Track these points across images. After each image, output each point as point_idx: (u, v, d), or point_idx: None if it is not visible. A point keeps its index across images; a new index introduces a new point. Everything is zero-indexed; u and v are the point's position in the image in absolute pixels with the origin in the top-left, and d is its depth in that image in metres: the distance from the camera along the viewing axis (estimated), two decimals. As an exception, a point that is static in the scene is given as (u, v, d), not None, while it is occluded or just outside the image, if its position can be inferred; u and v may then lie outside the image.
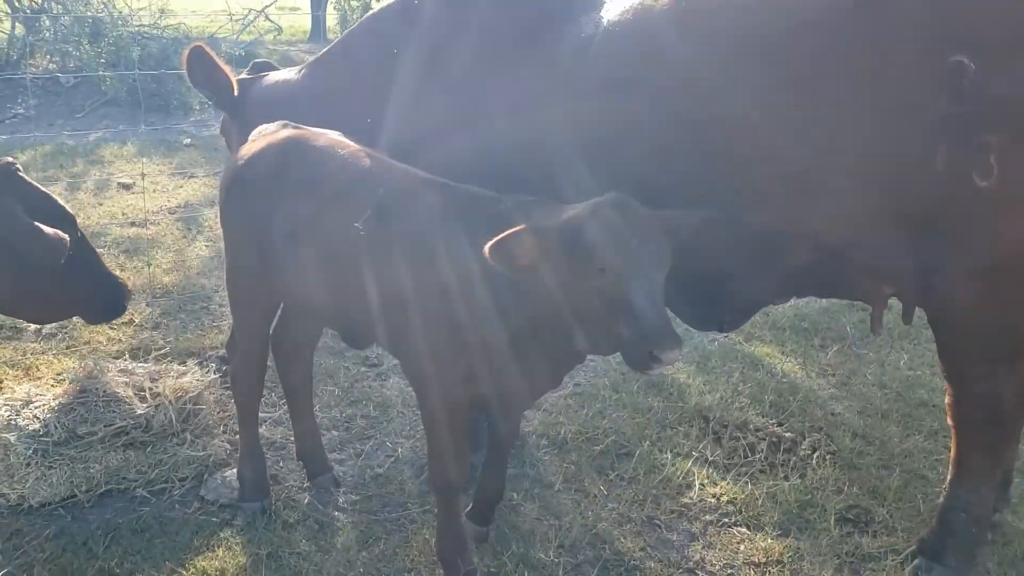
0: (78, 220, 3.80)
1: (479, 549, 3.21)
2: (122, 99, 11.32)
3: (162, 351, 4.65)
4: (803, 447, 3.92)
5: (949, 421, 3.06)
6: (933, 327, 2.89)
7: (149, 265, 5.81)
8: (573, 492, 3.61)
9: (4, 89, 11.57)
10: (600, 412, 4.18)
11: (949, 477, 3.13)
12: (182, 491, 3.56)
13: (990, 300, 2.71)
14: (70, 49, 12.36)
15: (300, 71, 4.01)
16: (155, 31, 12.88)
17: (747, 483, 3.66)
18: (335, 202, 2.98)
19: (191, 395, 3.97)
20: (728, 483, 3.65)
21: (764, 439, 3.97)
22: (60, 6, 13.20)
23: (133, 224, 6.88)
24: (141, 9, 13.61)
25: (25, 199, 3.47)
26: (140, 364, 4.28)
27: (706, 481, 3.67)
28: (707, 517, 3.48)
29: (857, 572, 3.19)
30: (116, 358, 4.59)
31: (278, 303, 3.40)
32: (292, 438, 3.79)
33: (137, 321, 5.12)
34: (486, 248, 2.43)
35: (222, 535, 3.30)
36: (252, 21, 14.96)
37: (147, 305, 5.32)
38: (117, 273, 5.31)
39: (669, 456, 3.83)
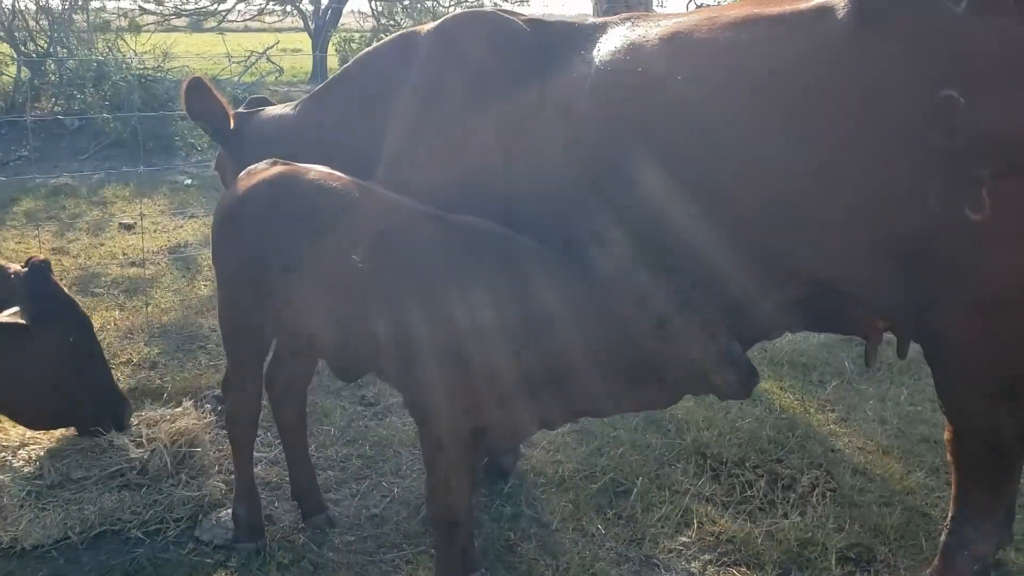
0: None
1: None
2: (125, 141, 11.42)
3: (158, 391, 4.64)
4: (803, 484, 3.88)
5: (949, 457, 3.03)
6: (929, 363, 2.87)
7: (148, 305, 5.82)
8: (571, 531, 3.57)
9: (9, 132, 11.69)
10: (598, 449, 4.16)
11: (950, 514, 3.09)
12: (177, 532, 3.52)
13: (986, 335, 2.70)
14: (74, 92, 12.51)
15: (296, 106, 4.04)
16: (159, 74, 13.04)
17: (746, 521, 3.62)
18: (332, 235, 2.99)
19: (187, 438, 3.95)
20: (727, 521, 3.61)
21: (763, 476, 3.94)
22: (65, 50, 13.38)
23: (133, 264, 6.89)
24: (145, 53, 13.80)
25: (42, 294, 3.58)
26: (136, 413, 4.25)
27: (705, 519, 3.63)
28: (706, 556, 3.43)
29: (859, 611, 3.16)
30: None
31: (272, 339, 3.39)
32: (287, 478, 3.76)
33: (135, 360, 5.12)
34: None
35: (216, 577, 3.27)
36: (254, 63, 15.14)
37: (145, 345, 5.32)
38: (115, 313, 5.34)
39: (667, 494, 3.80)
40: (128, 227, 7.91)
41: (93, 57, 12.98)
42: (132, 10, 16.70)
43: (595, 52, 3.10)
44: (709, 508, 3.72)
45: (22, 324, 3.47)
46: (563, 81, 3.13)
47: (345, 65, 4.09)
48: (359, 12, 19.12)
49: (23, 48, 13.51)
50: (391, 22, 16.95)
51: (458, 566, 3.03)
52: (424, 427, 2.95)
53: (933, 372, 2.89)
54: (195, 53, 14.36)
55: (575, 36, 3.28)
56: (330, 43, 17.76)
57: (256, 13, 18.26)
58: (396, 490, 3.85)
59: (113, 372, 4.83)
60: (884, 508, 3.71)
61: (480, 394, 2.82)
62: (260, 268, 3.10)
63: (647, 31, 3.01)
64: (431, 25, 3.63)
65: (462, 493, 2.95)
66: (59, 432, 3.99)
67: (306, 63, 17.95)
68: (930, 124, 2.49)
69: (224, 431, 4.19)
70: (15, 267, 3.78)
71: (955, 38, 2.53)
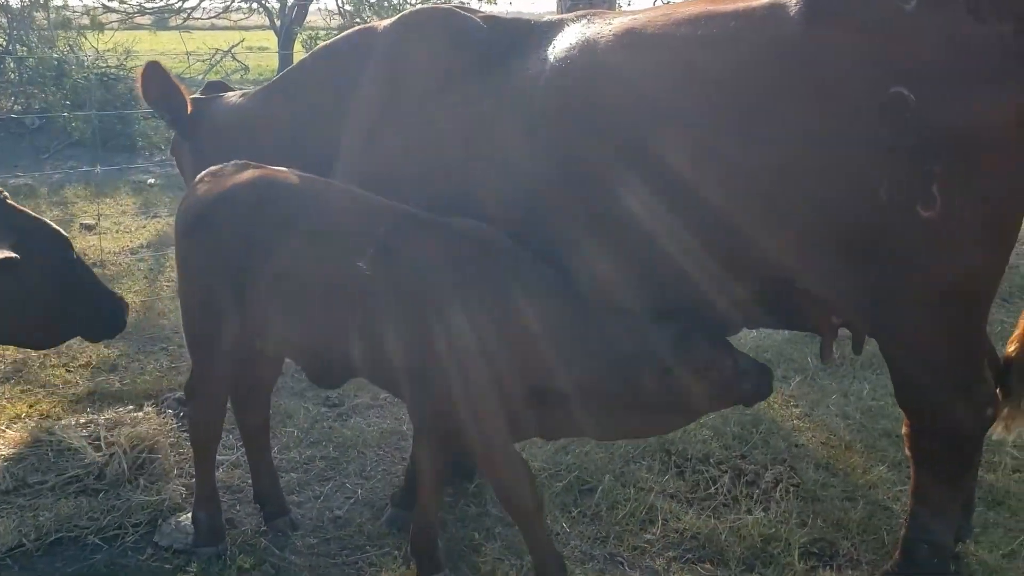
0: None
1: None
2: (87, 140, 11.26)
3: (118, 394, 4.57)
4: (766, 479, 3.90)
5: (907, 451, 3.06)
6: (885, 357, 2.89)
7: (108, 307, 5.72)
8: (535, 530, 3.56)
9: (-32, 131, 11.50)
10: (564, 447, 4.14)
11: (910, 508, 3.12)
12: (135, 537, 3.47)
13: (939, 329, 2.72)
14: (35, 91, 12.31)
15: (253, 96, 3.98)
16: (121, 72, 12.86)
17: (710, 517, 3.63)
18: (326, 242, 2.97)
19: (147, 442, 3.89)
20: (691, 517, 3.62)
21: (727, 472, 3.95)
22: (25, 48, 13.17)
23: (93, 265, 6.78)
24: (107, 51, 13.61)
25: (12, 224, 3.50)
26: (94, 415, 4.18)
27: (669, 516, 3.63)
28: (670, 553, 3.43)
29: (822, 607, 3.17)
30: (73, 402, 4.51)
31: (248, 346, 3.30)
32: (249, 481, 3.72)
33: (94, 363, 5.04)
34: None
35: (175, 583, 3.22)
36: (219, 61, 14.98)
37: (105, 347, 5.23)
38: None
39: (632, 491, 3.79)
40: (89, 227, 7.80)
41: (54, 55, 12.78)
42: (95, 8, 16.45)
43: (551, 49, 3.09)
44: (673, 505, 3.72)
45: (11, 256, 3.39)
46: (519, 78, 3.12)
47: (303, 58, 4.04)
48: (326, 10, 18.98)
49: (-19, 46, 13.30)
50: (358, 19, 16.85)
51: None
52: (419, 434, 2.97)
53: (889, 367, 2.91)
54: (159, 51, 14.17)
55: (532, 33, 3.27)
56: (296, 41, 17.61)
57: (221, 11, 18.06)
58: (360, 492, 3.82)
59: (72, 376, 4.79)
60: (847, 502, 3.73)
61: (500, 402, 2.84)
62: (239, 274, 3.04)
63: (602, 28, 3.01)
64: (389, 20, 3.61)
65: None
66: (14, 435, 3.93)
67: (272, 61, 17.78)
68: (881, 121, 2.50)
69: (185, 434, 4.16)
70: None
71: (905, 35, 2.54)
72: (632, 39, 2.93)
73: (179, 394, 4.52)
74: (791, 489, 3.82)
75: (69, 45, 13.40)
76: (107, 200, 8.89)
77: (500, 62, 3.22)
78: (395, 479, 3.88)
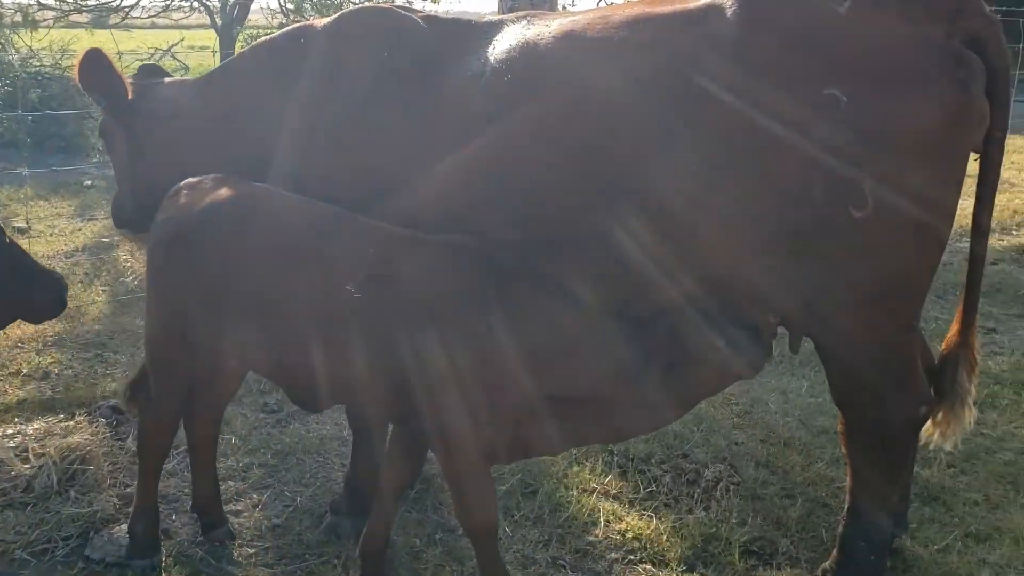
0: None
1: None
2: (21, 141, 10.95)
3: (50, 403, 4.44)
4: (707, 478, 3.91)
5: (843, 449, 3.09)
6: (820, 355, 2.92)
7: (40, 313, 5.56)
8: (477, 535, 3.53)
9: None
10: (506, 451, 4.12)
11: (847, 505, 3.16)
12: (66, 551, 3.36)
13: (872, 328, 2.76)
14: (-35, 90, 11.96)
15: (195, 85, 3.86)
16: (56, 71, 12.54)
17: (652, 518, 3.63)
18: (311, 264, 2.90)
19: (79, 453, 3.79)
20: (633, 518, 3.62)
21: (668, 471, 3.96)
22: (-46, 46, 12.79)
23: (26, 270, 6.59)
24: (42, 49, 13.26)
25: None
26: (22, 425, 4.06)
27: (611, 517, 3.63)
28: (612, 555, 3.43)
29: (762, 605, 3.19)
30: (1, 411, 4.37)
31: (214, 365, 3.22)
32: (185, 490, 3.63)
33: (26, 371, 4.89)
34: None
35: (107, 596, 3.14)
36: (159, 61, 14.70)
37: (36, 354, 5.09)
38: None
39: (575, 493, 3.79)
40: (21, 231, 7.57)
41: (-14, 53, 12.44)
42: (29, 5, 16.02)
43: (490, 50, 3.07)
44: (616, 506, 3.72)
45: None
46: (458, 79, 3.09)
47: (243, 51, 3.94)
48: (268, 8, 18.71)
49: (-91, 44, 12.87)
50: (299, 18, 16.66)
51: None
52: (446, 458, 2.90)
53: (824, 365, 2.94)
54: (96, 50, 13.83)
55: (471, 33, 3.24)
56: (238, 40, 17.35)
57: (162, 9, 17.71)
58: (299, 499, 3.76)
59: (1, 385, 4.64)
60: (786, 500, 3.77)
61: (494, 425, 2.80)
62: (218, 294, 2.97)
63: (541, 30, 3.00)
64: (328, 18, 3.55)
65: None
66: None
67: (213, 61, 17.51)
68: (814, 121, 2.52)
69: (119, 443, 4.07)
70: None
71: (838, 36, 2.57)
72: (571, 42, 2.92)
73: (113, 402, 4.41)
74: (731, 488, 3.84)
75: (1, 43, 13.02)
76: (41, 203, 8.66)
77: (439, 62, 3.19)
78: (335, 486, 3.82)
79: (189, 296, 3.04)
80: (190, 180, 3.25)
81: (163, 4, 17.84)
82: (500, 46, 3.05)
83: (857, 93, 2.50)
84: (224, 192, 3.11)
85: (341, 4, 15.03)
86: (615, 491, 3.83)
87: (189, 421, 3.44)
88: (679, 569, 3.34)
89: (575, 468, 3.99)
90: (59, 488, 3.62)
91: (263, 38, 3.91)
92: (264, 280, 2.93)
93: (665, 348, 2.76)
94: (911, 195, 2.60)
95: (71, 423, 4.11)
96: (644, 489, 3.83)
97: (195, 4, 17.21)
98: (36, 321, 4.02)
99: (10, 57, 12.54)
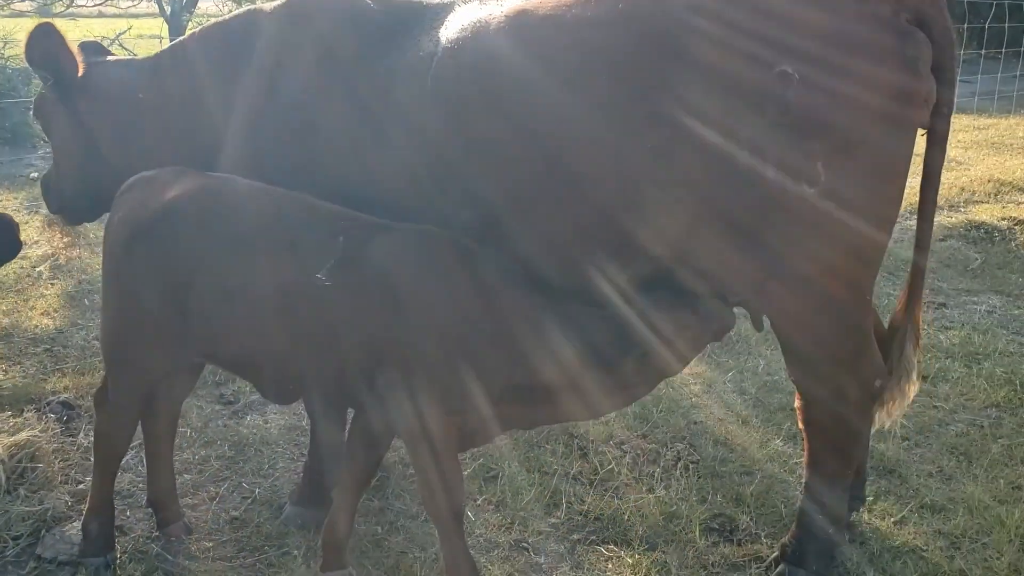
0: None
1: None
2: (-37, 132, 10.67)
3: (-3, 400, 4.34)
4: (667, 457, 3.94)
5: (800, 424, 3.12)
6: (776, 333, 2.94)
7: (-14, 308, 5.44)
8: (439, 521, 3.52)
9: None
10: (467, 436, 4.11)
11: (804, 480, 3.19)
12: (16, 551, 3.29)
13: (826, 304, 2.78)
14: (-96, 81, 11.59)
15: (143, 66, 3.76)
16: (0, 61, 12.21)
17: (613, 498, 3.65)
18: (280, 254, 2.85)
19: (27, 451, 3.70)
20: (595, 499, 3.63)
21: (628, 452, 3.98)
22: None
23: (-30, 265, 6.43)
24: (-16, 38, 12.90)
25: None
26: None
27: (573, 499, 3.64)
28: (575, 536, 3.44)
29: (723, 582, 3.21)
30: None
31: (175, 361, 3.14)
32: (140, 485, 3.57)
33: (-29, 368, 4.77)
34: None
35: (60, 595, 3.08)
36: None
37: (-19, 350, 4.97)
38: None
39: (537, 476, 3.79)
40: (-34, 225, 7.39)
41: (-77, 43, 12.06)
42: (-30, -7, 15.60)
43: (443, 31, 3.03)
44: (577, 487, 3.73)
45: None
46: (410, 60, 3.05)
47: (193, 32, 3.85)
48: (218, -5, 18.40)
49: None
50: (252, 5, 16.38)
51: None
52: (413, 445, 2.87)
53: (779, 341, 2.96)
54: (40, 39, 13.49)
55: (424, 15, 3.20)
56: (187, 29, 17.04)
57: (108, -3, 17.34)
58: (257, 491, 3.71)
59: (-55, 382, 4.52)
60: (745, 477, 3.80)
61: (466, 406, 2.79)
62: (183, 290, 2.90)
63: (493, 9, 2.96)
64: (278, 2, 3.48)
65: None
66: None
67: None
68: (767, 100, 2.52)
69: (70, 439, 3.99)
70: None
71: (789, 13, 2.57)
72: (524, 21, 2.89)
73: (63, 398, 4.33)
74: (691, 466, 3.87)
75: (-59, 33, 12.65)
76: (-15, 196, 8.44)
77: (391, 43, 3.14)
78: (294, 476, 3.78)
79: (151, 292, 2.97)
80: (144, 174, 3.17)
81: (109, -9, 17.42)
82: (453, 26, 3.01)
83: (808, 70, 2.51)
84: (183, 185, 3.04)
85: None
86: (576, 473, 3.83)
87: (146, 416, 3.37)
88: (641, 548, 3.35)
89: (536, 451, 3.99)
90: (8, 487, 3.54)
91: (213, 20, 3.82)
92: (230, 272, 2.88)
93: (633, 326, 2.76)
94: (861, 171, 2.63)
95: (19, 419, 4.01)
96: (605, 470, 3.84)
97: (142, -9, 16.85)
98: None
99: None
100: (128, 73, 3.73)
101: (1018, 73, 12.63)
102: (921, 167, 2.89)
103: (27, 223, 7.63)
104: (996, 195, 8.46)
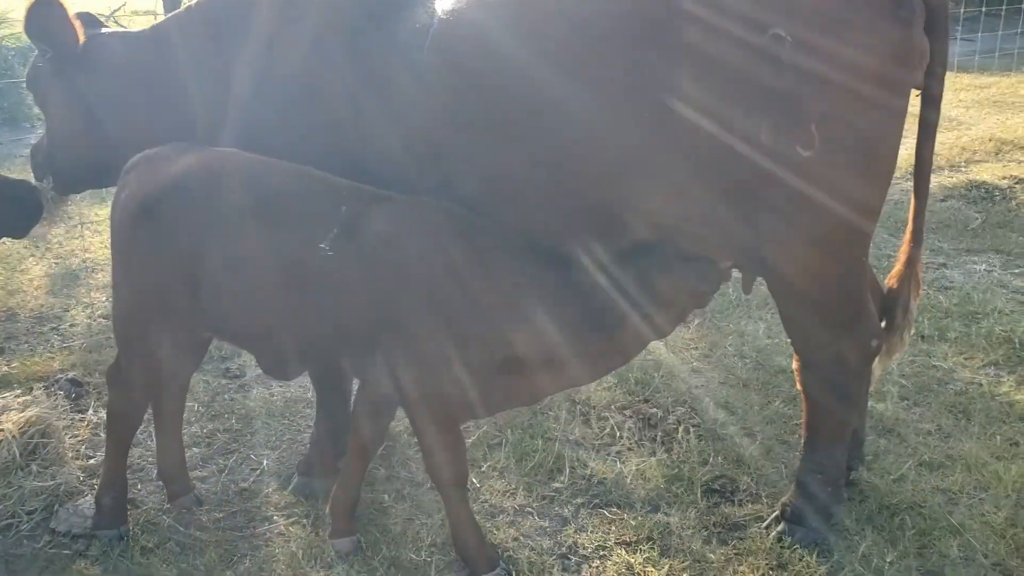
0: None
1: (348, 559, 3.13)
2: (-38, 113, 10.65)
3: (6, 377, 4.39)
4: (668, 421, 3.99)
5: (799, 386, 3.16)
6: (773, 296, 2.97)
7: (-8, 287, 5.48)
8: (445, 488, 3.57)
9: None
10: (471, 404, 4.15)
11: (803, 441, 3.23)
12: (30, 525, 3.35)
13: (823, 268, 2.81)
14: (-100, 63, 11.55)
15: (143, 39, 3.74)
16: (-5, 41, 12.15)
17: (615, 462, 3.70)
18: (285, 225, 2.88)
19: (38, 427, 3.75)
20: (597, 464, 3.68)
21: (631, 417, 4.03)
22: None
23: (-27, 246, 6.47)
24: (-24, 18, 12.82)
25: None
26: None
27: (576, 464, 3.69)
28: (578, 500, 3.49)
29: (725, 542, 3.24)
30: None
31: (186, 337, 3.18)
32: (150, 459, 3.63)
33: (-21, 347, 4.82)
34: None
35: (75, 567, 3.13)
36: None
37: (-10, 329, 5.02)
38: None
39: (540, 442, 3.83)
40: (-32, 207, 7.41)
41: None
42: (-39, -28, 15.46)
43: (439, 1, 3.03)
44: (580, 452, 3.78)
45: None
46: (407, 30, 3.05)
47: (190, 5, 3.83)
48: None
49: None
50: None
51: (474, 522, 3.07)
52: (416, 413, 2.92)
53: (777, 305, 2.99)
54: (34, 17, 13.40)
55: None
56: (183, 4, 16.91)
57: (101, -28, 17.20)
58: (266, 462, 3.77)
59: (-46, 362, 4.57)
60: (745, 439, 3.85)
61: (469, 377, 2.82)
62: (192, 265, 2.93)
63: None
64: None
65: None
66: None
67: (159, 24, 17.04)
68: (760, 62, 2.53)
69: (79, 415, 4.04)
70: None
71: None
72: None
73: (71, 375, 4.38)
74: (692, 429, 3.91)
75: (-66, 12, 12.58)
76: (-13, 176, 8.44)
77: (389, 14, 3.13)
78: (301, 448, 3.83)
79: (161, 268, 3.01)
80: (148, 152, 3.19)
81: (103, -33, 17.26)
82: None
83: (801, 31, 2.51)
84: (188, 160, 3.07)
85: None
86: (578, 438, 3.88)
87: (155, 395, 3.41)
88: (643, 510, 3.41)
89: (539, 418, 4.03)
90: (21, 462, 3.59)
91: None
92: (236, 244, 2.92)
93: (631, 289, 2.77)
94: (856, 133, 2.64)
95: (28, 397, 4.05)
96: (606, 435, 3.89)
97: (136, -34, 16.70)
98: (17, 235, 3.93)
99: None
100: (128, 45, 3.73)
101: (1019, 31, 12.50)
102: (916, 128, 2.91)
103: (29, 203, 7.65)
104: (997, 154, 8.41)
